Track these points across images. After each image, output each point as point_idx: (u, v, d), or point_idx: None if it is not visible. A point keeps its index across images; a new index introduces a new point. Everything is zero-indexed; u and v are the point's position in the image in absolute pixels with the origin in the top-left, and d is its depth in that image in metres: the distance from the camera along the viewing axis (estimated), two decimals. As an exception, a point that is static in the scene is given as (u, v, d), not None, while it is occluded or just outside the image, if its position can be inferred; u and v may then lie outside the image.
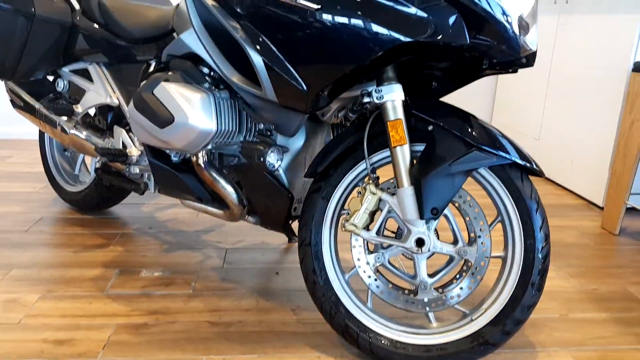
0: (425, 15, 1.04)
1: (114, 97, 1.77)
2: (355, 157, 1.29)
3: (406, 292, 1.29)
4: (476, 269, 1.24)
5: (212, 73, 1.38)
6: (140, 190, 1.74)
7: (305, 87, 1.18)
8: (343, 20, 1.08)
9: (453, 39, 1.04)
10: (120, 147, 1.74)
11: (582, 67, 2.65)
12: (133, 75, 1.77)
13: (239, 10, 1.21)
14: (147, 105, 1.35)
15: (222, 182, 1.43)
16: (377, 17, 1.06)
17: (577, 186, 2.70)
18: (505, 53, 1.07)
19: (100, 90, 1.81)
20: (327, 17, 1.09)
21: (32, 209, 2.23)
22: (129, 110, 1.42)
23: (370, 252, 1.30)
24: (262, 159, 1.30)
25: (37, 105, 1.97)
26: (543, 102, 2.99)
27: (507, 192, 1.20)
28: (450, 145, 1.18)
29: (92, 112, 1.95)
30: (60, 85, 1.96)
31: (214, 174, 1.43)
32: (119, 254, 1.85)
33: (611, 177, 2.22)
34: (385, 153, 1.28)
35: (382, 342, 1.28)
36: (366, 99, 1.23)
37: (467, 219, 1.25)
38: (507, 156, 1.15)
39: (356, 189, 1.31)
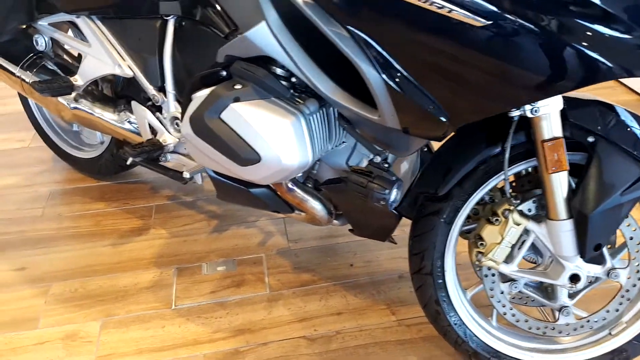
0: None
1: (125, 66, 1.37)
2: (484, 173, 1.04)
3: (546, 318, 1.16)
4: (627, 291, 1.10)
5: (292, 79, 1.02)
6: (183, 181, 1.44)
7: (446, 119, 0.88)
8: (525, 43, 0.75)
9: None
10: (148, 130, 1.40)
11: None
12: (145, 35, 1.34)
13: (349, 14, 0.83)
14: (216, 136, 1.00)
15: (311, 200, 1.17)
16: (578, 41, 0.74)
17: None
18: None
19: (102, 56, 1.39)
20: (499, 37, 0.76)
21: (33, 179, 1.90)
22: (185, 133, 1.06)
23: (504, 281, 1.13)
24: (383, 201, 1.02)
25: (16, 71, 1.53)
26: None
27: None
28: (621, 166, 0.95)
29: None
30: (41, 43, 1.52)
31: (301, 194, 1.16)
32: (164, 241, 1.62)
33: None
34: (519, 167, 1.04)
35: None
36: (514, 113, 0.94)
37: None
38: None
39: (485, 210, 1.09)
